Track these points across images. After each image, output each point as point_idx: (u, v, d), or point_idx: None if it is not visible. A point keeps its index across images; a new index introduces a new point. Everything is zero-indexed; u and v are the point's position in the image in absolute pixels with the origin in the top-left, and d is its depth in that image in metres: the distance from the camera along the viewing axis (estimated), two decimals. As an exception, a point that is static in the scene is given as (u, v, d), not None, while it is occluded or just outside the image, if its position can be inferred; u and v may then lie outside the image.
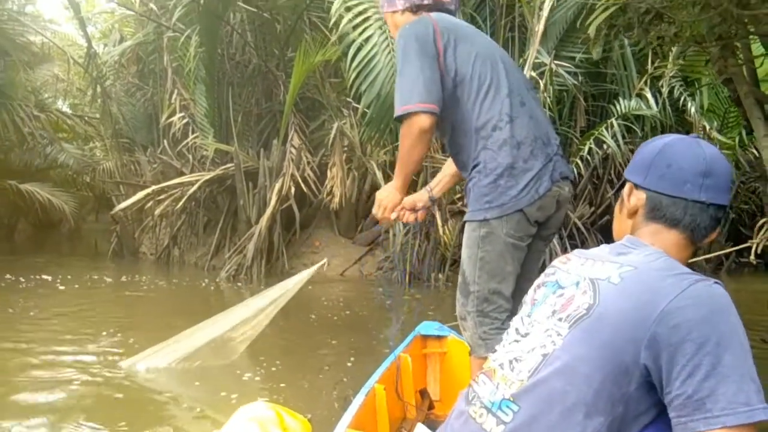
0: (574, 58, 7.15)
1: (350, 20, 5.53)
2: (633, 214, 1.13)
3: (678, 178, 1.07)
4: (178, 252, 8.95)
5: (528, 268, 1.96)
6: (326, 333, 4.44)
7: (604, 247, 1.14)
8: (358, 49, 5.69)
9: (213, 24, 7.68)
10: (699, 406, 0.88)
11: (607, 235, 8.07)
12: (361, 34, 5.74)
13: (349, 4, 5.57)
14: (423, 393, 2.57)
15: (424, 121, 1.78)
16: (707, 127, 7.63)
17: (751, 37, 2.51)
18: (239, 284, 6.89)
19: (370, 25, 5.80)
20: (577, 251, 1.18)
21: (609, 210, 8.39)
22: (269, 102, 8.81)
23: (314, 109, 8.44)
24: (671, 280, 0.96)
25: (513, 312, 1.84)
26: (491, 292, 1.85)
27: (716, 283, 0.97)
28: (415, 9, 1.98)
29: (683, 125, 8.30)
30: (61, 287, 6.25)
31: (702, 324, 0.90)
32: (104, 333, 4.22)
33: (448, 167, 2.19)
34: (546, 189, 1.82)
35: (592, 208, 8.17)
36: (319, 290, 6.42)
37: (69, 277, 6.81)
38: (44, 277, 6.65)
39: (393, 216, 2.11)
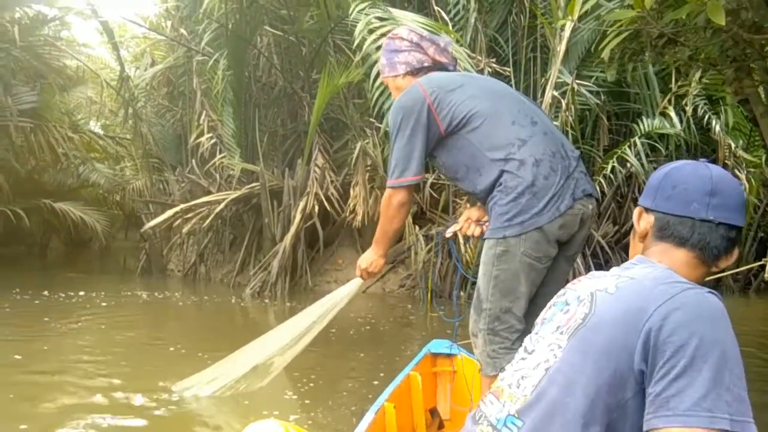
0: (596, 78, 7.18)
1: (373, 42, 5.66)
2: (643, 237, 1.14)
3: (684, 198, 1.08)
4: (205, 269, 9.11)
5: (551, 289, 1.91)
6: (353, 349, 4.49)
7: (614, 268, 1.16)
8: (381, 71, 5.81)
9: (240, 48, 7.91)
10: (664, 404, 0.88)
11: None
12: (383, 55, 5.86)
13: (372, 26, 5.71)
14: (433, 412, 2.54)
15: (404, 195, 2.02)
16: (732, 146, 7.57)
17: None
18: (266, 301, 7.00)
19: (393, 47, 5.92)
20: (590, 273, 1.20)
21: (633, 228, 8.32)
22: (294, 123, 8.99)
23: (338, 129, 8.59)
24: (663, 287, 0.97)
25: (525, 333, 1.82)
26: (503, 311, 1.86)
27: (710, 292, 0.97)
28: (416, 72, 2.08)
29: (708, 144, 8.24)
30: (103, 304, 6.42)
31: (684, 328, 0.91)
32: (146, 352, 4.28)
33: None
34: (567, 206, 1.83)
35: (616, 227, 8.13)
36: (344, 307, 6.48)
37: (102, 293, 6.98)
38: (81, 293, 6.82)
39: (449, 234, 2.32)
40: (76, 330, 5.08)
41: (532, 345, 1.13)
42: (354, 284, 2.47)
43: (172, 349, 4.40)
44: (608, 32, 1.96)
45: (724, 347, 0.91)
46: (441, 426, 2.53)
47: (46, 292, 6.69)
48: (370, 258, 2.21)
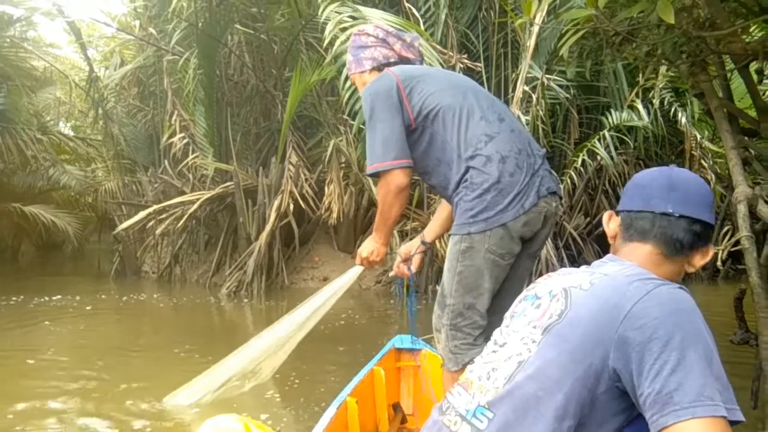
0: (566, 72, 7.28)
1: (344, 41, 5.67)
2: (614, 239, 1.19)
3: (644, 194, 1.13)
4: (180, 270, 9.05)
5: (514, 285, 1.96)
6: (332, 345, 4.50)
7: (584, 266, 1.19)
8: (353, 69, 5.82)
9: (211, 46, 7.85)
10: (668, 401, 0.88)
11: (603, 245, 8.15)
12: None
13: (343, 25, 5.72)
14: (396, 407, 2.54)
15: (401, 178, 1.91)
16: (698, 137, 7.74)
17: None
18: (245, 300, 6.99)
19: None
20: (560, 270, 1.21)
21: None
22: (267, 121, 8.96)
23: (311, 126, 8.58)
24: (637, 284, 0.99)
25: (488, 329, 1.85)
26: (466, 306, 1.86)
27: (681, 288, 1.00)
28: (381, 68, 2.07)
29: (675, 135, 8.42)
30: (86, 308, 6.34)
31: (666, 322, 0.92)
32: (129, 361, 4.19)
33: (441, 212, 2.22)
34: (532, 204, 1.83)
35: (588, 219, 8.27)
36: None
37: (78, 297, 6.91)
38: (54, 298, 6.74)
39: (392, 273, 2.27)
40: (54, 337, 4.99)
41: (503, 338, 1.13)
42: (353, 272, 2.36)
43: (154, 355, 4.34)
44: (566, 30, 2.01)
45: (705, 338, 0.93)
46: (404, 420, 2.52)
47: (19, 297, 6.60)
48: (371, 246, 2.13)
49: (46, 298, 6.66)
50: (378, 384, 2.36)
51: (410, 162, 1.92)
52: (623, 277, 1.02)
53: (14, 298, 6.55)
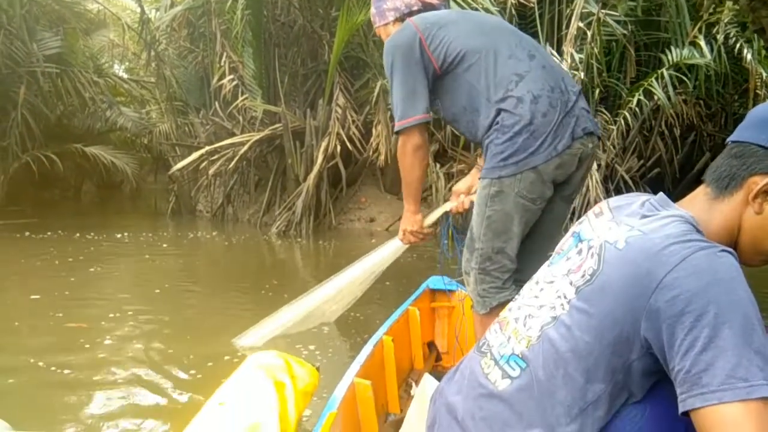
0: (624, 7, 6.93)
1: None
2: None
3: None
4: (232, 209, 9.35)
5: (548, 228, 1.93)
6: (379, 280, 4.61)
7: (636, 204, 1.06)
8: (400, 7, 5.70)
9: (258, -14, 7.81)
10: (696, 381, 0.83)
11: (656, 189, 7.88)
12: (402, -9, 5.74)
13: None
14: (431, 345, 2.58)
15: (416, 137, 1.91)
16: (764, 75, 7.29)
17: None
18: (298, 239, 7.23)
19: (411, -19, 5.79)
20: (613, 204, 1.09)
21: (659, 163, 8.21)
22: (314, 62, 8.94)
23: (358, 67, 8.52)
24: (674, 247, 0.90)
25: (517, 272, 1.86)
26: (495, 251, 1.84)
27: (724, 251, 0.89)
28: (405, 18, 2.00)
29: (740, 74, 7.97)
30: (164, 245, 6.77)
31: (701, 294, 0.85)
32: (198, 296, 4.39)
33: None
34: (565, 146, 1.76)
35: (641, 161, 8.03)
36: (368, 245, 6.64)
37: (150, 234, 7.28)
38: (124, 234, 7.13)
39: (434, 218, 2.18)
40: (124, 272, 5.31)
41: (543, 282, 1.11)
42: (394, 246, 2.32)
43: (217, 292, 4.53)
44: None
45: (745, 309, 0.85)
46: (438, 359, 2.58)
47: (90, 233, 6.94)
48: (405, 217, 2.11)
49: (119, 235, 7.03)
50: (413, 323, 2.40)
51: (428, 117, 1.90)
52: (660, 237, 0.93)
53: (77, 234, 6.90)
